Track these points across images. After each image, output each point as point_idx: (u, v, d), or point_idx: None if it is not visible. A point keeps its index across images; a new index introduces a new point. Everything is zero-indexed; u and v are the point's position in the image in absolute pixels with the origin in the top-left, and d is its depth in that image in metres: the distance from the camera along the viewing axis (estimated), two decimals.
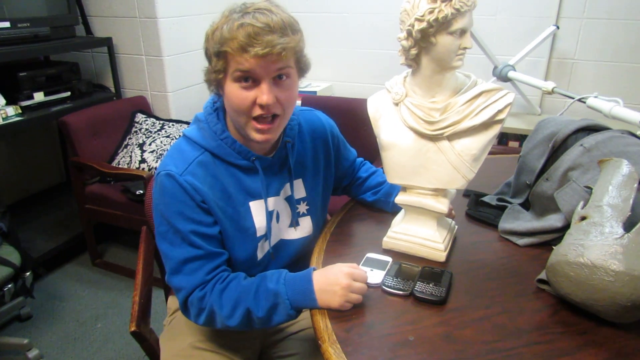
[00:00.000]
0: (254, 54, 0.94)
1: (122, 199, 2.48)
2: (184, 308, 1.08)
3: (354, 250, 1.20)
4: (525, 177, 1.34)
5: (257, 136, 1.04)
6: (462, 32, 1.01)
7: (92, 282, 2.61)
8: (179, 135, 2.61)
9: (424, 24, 0.99)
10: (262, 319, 1.01)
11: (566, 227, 1.16)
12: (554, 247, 1.18)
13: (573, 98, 1.98)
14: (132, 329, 1.14)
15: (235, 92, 1.00)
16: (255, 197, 1.12)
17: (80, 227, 2.72)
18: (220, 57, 0.99)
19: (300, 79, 1.09)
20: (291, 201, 1.20)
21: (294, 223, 1.21)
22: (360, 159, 1.44)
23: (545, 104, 2.80)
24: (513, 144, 2.62)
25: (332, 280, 0.99)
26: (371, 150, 2.41)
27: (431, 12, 0.98)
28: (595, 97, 1.85)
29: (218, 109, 1.12)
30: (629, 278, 0.83)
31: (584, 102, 1.90)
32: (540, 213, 1.26)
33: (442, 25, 0.99)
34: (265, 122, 1.03)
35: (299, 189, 1.22)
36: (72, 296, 2.51)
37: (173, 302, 1.25)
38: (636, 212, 0.94)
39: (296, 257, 1.24)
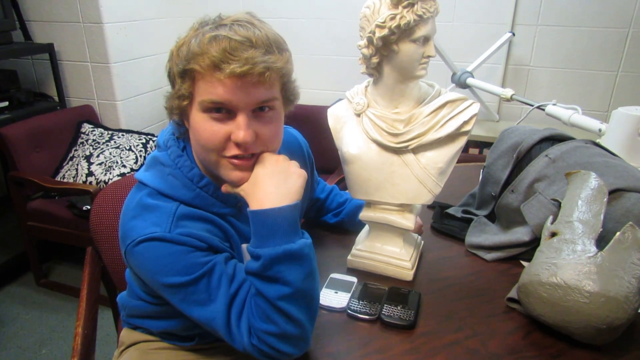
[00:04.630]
0: (229, 72, 0.76)
1: (67, 215, 2.32)
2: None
3: None
4: (490, 189, 1.30)
5: (233, 174, 0.85)
6: (425, 39, 0.96)
7: (36, 304, 2.44)
8: (130, 146, 2.48)
9: (385, 31, 0.93)
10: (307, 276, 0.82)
11: (534, 240, 1.14)
12: (522, 262, 1.16)
13: (532, 105, 1.98)
14: None
15: (203, 125, 0.82)
16: (248, 240, 0.90)
17: (22, 245, 2.54)
18: (185, 79, 0.81)
19: (286, 111, 0.91)
20: None
21: None
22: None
23: (503, 111, 2.81)
24: (473, 150, 2.62)
25: (279, 171, 0.85)
26: (331, 160, 2.35)
27: (393, 19, 0.92)
28: (554, 104, 1.85)
29: (186, 147, 0.92)
30: (604, 299, 0.79)
31: (543, 110, 1.90)
32: (506, 225, 1.23)
33: (404, 32, 0.94)
34: (242, 158, 0.85)
35: None
36: (14, 320, 2.33)
37: (126, 335, 1.12)
38: (607, 228, 0.91)
39: None
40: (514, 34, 2.63)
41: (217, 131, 0.82)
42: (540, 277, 0.86)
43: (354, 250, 1.13)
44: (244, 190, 0.85)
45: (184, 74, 0.81)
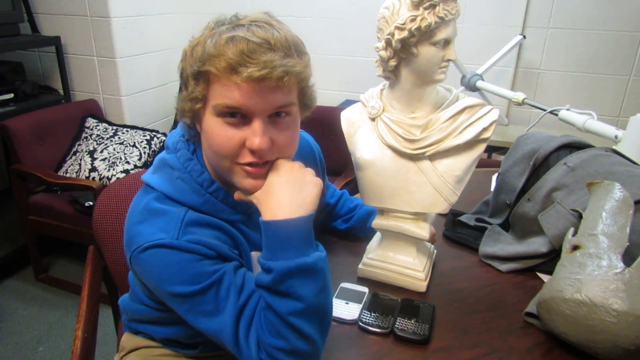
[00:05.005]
0: (246, 75, 0.71)
1: (69, 210, 2.29)
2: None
3: None
4: (504, 196, 1.27)
5: (246, 182, 0.81)
6: (446, 42, 0.93)
7: (35, 300, 2.40)
8: (134, 143, 2.45)
9: (405, 33, 0.89)
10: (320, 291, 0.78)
11: (551, 252, 1.10)
12: (538, 274, 1.12)
13: (544, 110, 1.94)
14: None
15: (217, 130, 0.78)
16: (258, 248, 0.89)
17: (23, 239, 2.51)
18: (199, 81, 0.77)
19: (303, 116, 0.87)
20: None
21: None
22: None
23: (512, 115, 2.77)
24: (482, 155, 2.58)
25: (294, 179, 0.80)
26: (339, 162, 2.31)
27: (413, 20, 0.89)
28: (568, 109, 1.81)
29: (196, 151, 0.88)
30: (633, 319, 0.75)
31: (556, 115, 1.86)
32: (521, 235, 1.19)
33: (424, 34, 0.90)
34: (257, 165, 0.81)
35: None
36: (11, 315, 2.29)
37: (127, 340, 1.09)
38: (632, 242, 0.87)
39: None
40: (524, 37, 2.59)
41: (232, 137, 0.77)
42: (563, 293, 0.82)
43: (365, 259, 1.10)
44: (256, 199, 0.82)
45: (198, 75, 0.77)
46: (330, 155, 2.11)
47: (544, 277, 1.10)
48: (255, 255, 0.90)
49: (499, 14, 2.61)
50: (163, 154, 0.91)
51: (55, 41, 2.59)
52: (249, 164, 0.80)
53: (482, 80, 2.49)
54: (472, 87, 2.50)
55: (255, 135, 0.76)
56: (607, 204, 0.92)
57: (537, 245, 1.12)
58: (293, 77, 0.76)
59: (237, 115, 0.77)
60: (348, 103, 3.03)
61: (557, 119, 1.85)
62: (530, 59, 2.65)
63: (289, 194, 0.78)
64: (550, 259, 1.11)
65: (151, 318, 1.00)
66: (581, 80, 2.60)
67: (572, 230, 0.95)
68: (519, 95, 2.13)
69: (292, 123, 0.82)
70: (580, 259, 0.85)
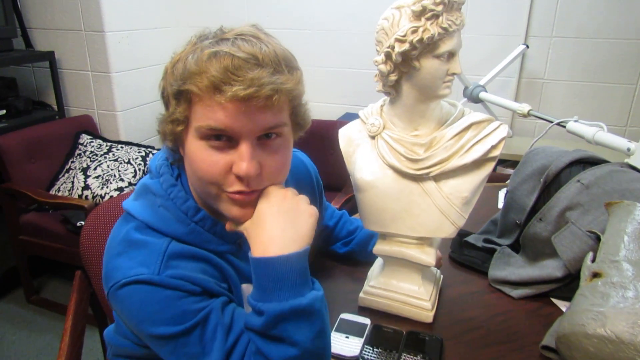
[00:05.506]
0: (231, 95, 0.65)
1: (61, 230, 2.22)
2: None
3: None
4: (514, 216, 1.20)
5: (234, 211, 0.74)
6: (450, 55, 0.87)
7: (25, 323, 2.32)
8: (129, 159, 2.39)
9: (406, 46, 0.83)
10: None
11: (567, 276, 1.03)
12: (553, 300, 1.05)
13: (551, 122, 1.87)
14: None
15: (200, 155, 0.71)
16: (249, 280, 0.80)
17: (13, 259, 2.43)
18: (180, 101, 0.71)
19: (295, 137, 0.81)
20: None
21: None
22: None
23: (516, 126, 2.71)
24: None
25: (286, 209, 0.73)
26: (341, 178, 2.25)
27: (415, 32, 0.82)
28: (576, 121, 1.74)
29: (181, 176, 0.81)
30: None
31: (563, 126, 1.79)
32: (533, 257, 1.12)
33: (427, 47, 0.83)
34: (245, 193, 0.73)
35: None
36: (0, 339, 2.22)
37: None
38: None
39: None
40: (527, 46, 2.53)
41: (216, 161, 0.70)
42: (585, 327, 0.75)
43: (366, 287, 1.02)
44: (246, 230, 0.74)
45: (179, 95, 0.70)
46: (330, 170, 2.04)
47: (560, 304, 1.02)
48: (246, 288, 0.83)
49: (501, 24, 2.55)
50: (146, 178, 0.84)
51: (49, 56, 2.55)
52: (237, 192, 0.73)
53: (485, 91, 2.43)
54: (474, 99, 2.44)
55: (242, 159, 0.69)
56: (629, 226, 0.85)
57: (550, 269, 1.05)
58: (283, 95, 0.69)
59: (222, 138, 0.70)
60: (348, 116, 2.97)
61: (563, 130, 1.78)
62: (533, 69, 2.59)
63: (281, 226, 0.71)
64: (565, 284, 1.04)
65: (136, 354, 0.92)
66: (586, 89, 2.54)
67: (590, 254, 0.88)
68: (524, 107, 2.06)
69: (283, 145, 0.75)
70: (603, 289, 0.78)
